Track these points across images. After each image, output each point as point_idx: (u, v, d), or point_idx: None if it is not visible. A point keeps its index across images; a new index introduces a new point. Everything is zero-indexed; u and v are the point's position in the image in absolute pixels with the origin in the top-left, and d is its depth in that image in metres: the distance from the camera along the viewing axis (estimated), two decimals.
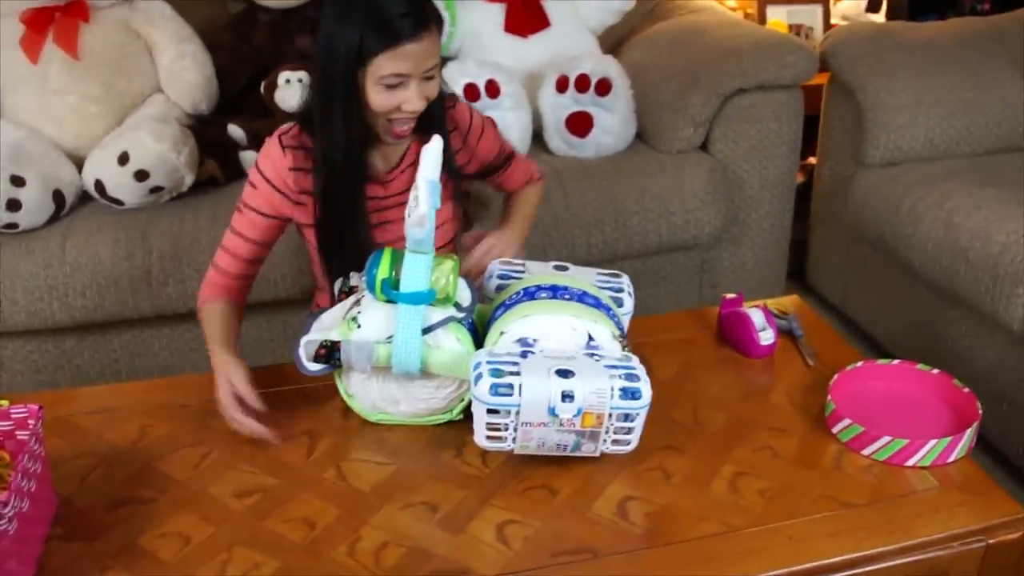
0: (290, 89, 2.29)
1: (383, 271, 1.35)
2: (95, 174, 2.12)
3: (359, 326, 1.36)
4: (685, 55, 2.41)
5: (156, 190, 2.12)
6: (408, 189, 1.58)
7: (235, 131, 2.29)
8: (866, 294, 2.48)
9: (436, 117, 1.54)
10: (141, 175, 2.08)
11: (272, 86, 2.31)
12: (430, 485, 1.33)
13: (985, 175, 2.18)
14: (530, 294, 1.41)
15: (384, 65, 1.39)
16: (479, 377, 1.24)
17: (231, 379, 1.42)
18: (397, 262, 1.35)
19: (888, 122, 2.31)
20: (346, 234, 1.55)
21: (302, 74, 2.30)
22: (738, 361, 1.62)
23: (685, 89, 2.32)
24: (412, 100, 1.43)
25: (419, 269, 1.33)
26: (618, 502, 1.29)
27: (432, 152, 1.32)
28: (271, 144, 1.54)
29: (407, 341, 1.33)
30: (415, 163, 1.56)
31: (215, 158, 2.26)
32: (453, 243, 1.70)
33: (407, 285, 1.33)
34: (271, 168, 1.54)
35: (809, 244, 2.76)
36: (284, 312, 2.26)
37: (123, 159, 2.07)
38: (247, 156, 2.29)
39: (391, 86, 1.42)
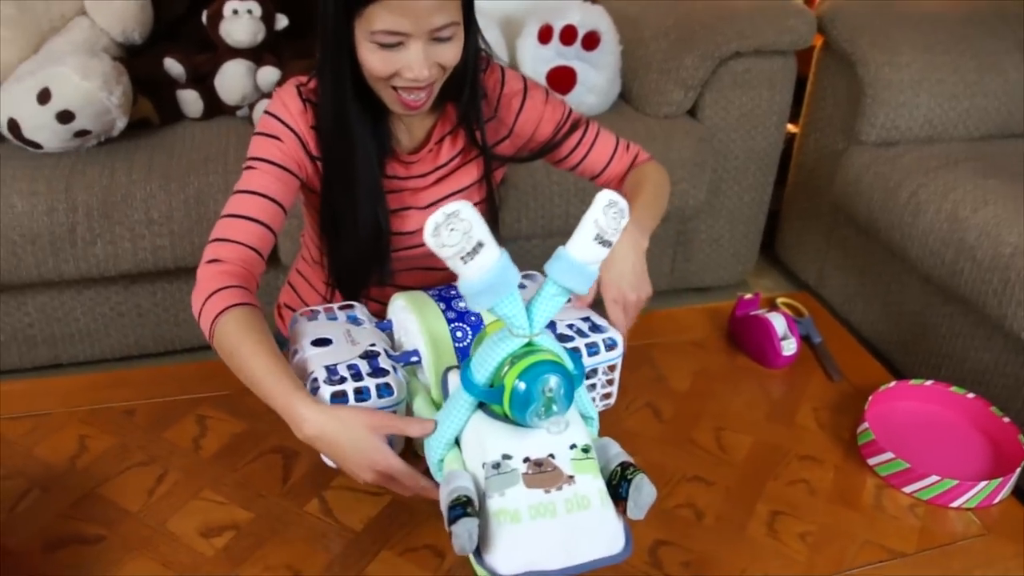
0: (238, 21, 2.03)
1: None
2: (9, 112, 1.84)
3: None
4: (677, 11, 2.23)
5: (82, 134, 1.85)
6: (434, 170, 1.35)
7: (173, 66, 2.02)
8: (845, 277, 2.37)
9: (470, 80, 1.28)
10: (65, 116, 1.80)
11: (216, 16, 2.04)
12: (432, 524, 1.14)
13: (988, 165, 2.07)
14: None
15: (377, 18, 1.11)
16: None
17: (384, 455, 1.05)
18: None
19: (889, 99, 2.17)
20: (348, 218, 1.30)
21: (252, 4, 2.05)
22: (756, 371, 1.48)
23: (677, 49, 2.15)
24: (414, 66, 1.15)
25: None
26: (649, 548, 1.14)
27: None
28: (289, 94, 1.26)
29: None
30: (442, 142, 1.34)
31: (149, 97, 1.99)
32: None
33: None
34: (292, 118, 1.26)
35: (782, 216, 2.63)
36: None
37: (44, 96, 1.80)
38: (185, 96, 2.04)
39: (387, 45, 1.14)
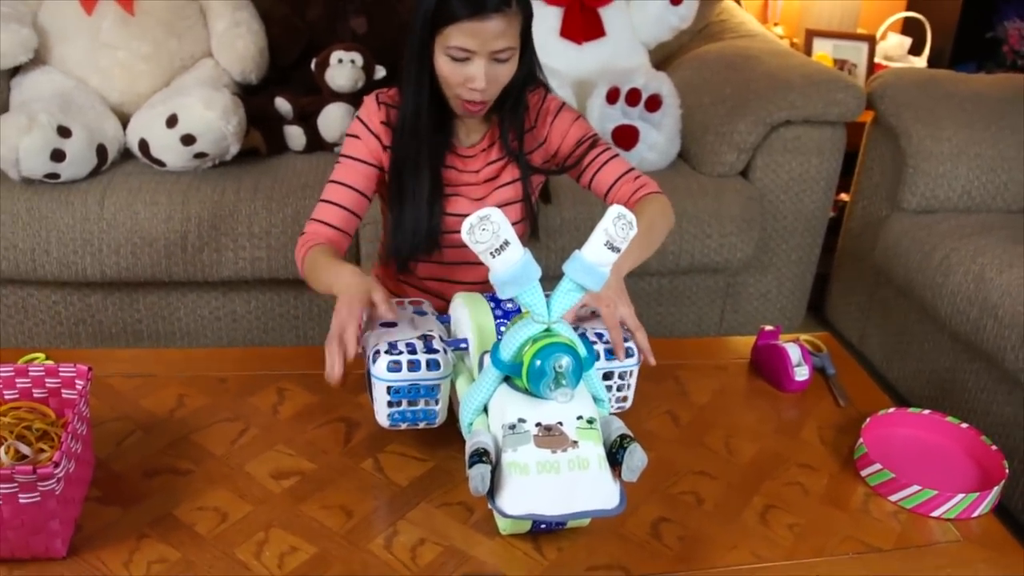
0: (341, 69, 2.29)
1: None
2: (141, 133, 2.13)
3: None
4: (735, 81, 2.43)
5: (200, 156, 2.12)
6: (485, 166, 1.61)
7: (282, 105, 2.29)
8: (884, 336, 2.50)
9: (514, 97, 1.55)
10: (188, 139, 2.08)
11: (324, 64, 2.31)
12: (466, 486, 1.32)
13: (1019, 233, 2.20)
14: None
15: (452, 36, 1.40)
16: None
17: (371, 290, 1.33)
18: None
19: (929, 170, 2.33)
20: (409, 196, 1.55)
21: (355, 55, 2.30)
22: (770, 394, 1.63)
23: (733, 115, 2.34)
24: (476, 79, 1.43)
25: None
26: (652, 522, 1.30)
27: None
28: (369, 99, 1.58)
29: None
30: (493, 145, 1.61)
31: (259, 130, 2.26)
32: (522, 224, 1.67)
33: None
34: (369, 118, 1.57)
35: (831, 279, 2.78)
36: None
37: (171, 121, 2.08)
38: (291, 131, 2.30)
39: (457, 59, 1.42)
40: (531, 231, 1.70)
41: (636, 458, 1.16)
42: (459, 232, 1.56)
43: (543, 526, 1.23)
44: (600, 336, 1.39)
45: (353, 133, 1.57)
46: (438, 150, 1.56)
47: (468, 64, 1.43)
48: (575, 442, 1.16)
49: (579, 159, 1.61)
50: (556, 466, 1.14)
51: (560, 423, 1.17)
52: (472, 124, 1.59)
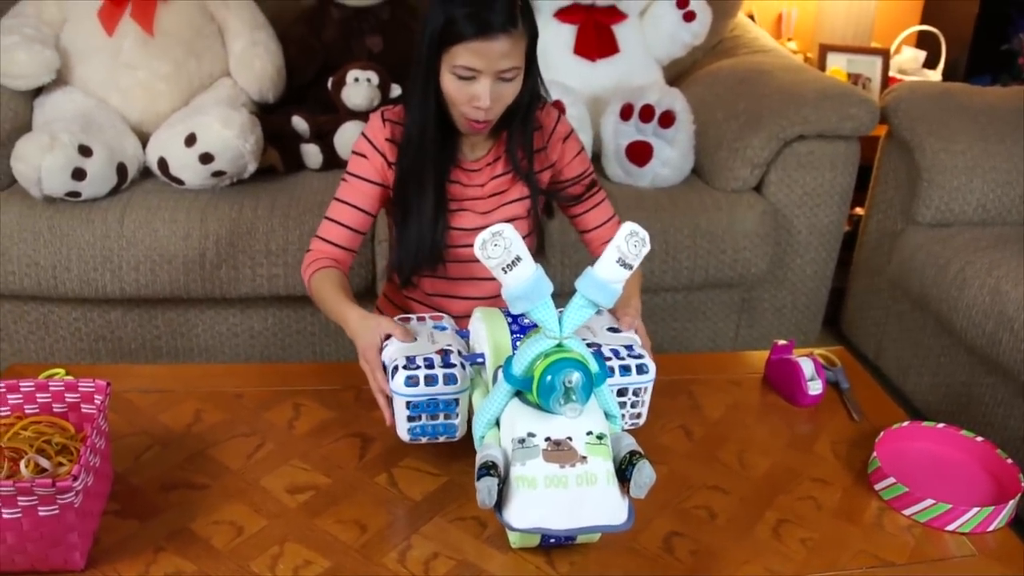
0: (357, 88, 2.31)
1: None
2: (160, 152, 2.15)
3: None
4: (748, 96, 2.43)
5: (218, 174, 2.15)
6: (490, 181, 1.62)
7: (299, 123, 2.31)
8: (900, 350, 2.49)
9: (521, 114, 1.57)
10: (206, 158, 2.11)
11: (340, 83, 2.33)
12: None
13: None
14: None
15: (459, 55, 1.42)
16: None
17: (382, 326, 1.40)
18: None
19: (944, 183, 2.33)
20: (414, 211, 1.57)
21: (371, 74, 2.33)
22: (784, 408, 1.64)
23: (746, 130, 2.35)
24: (481, 97, 1.45)
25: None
26: (664, 536, 1.31)
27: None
28: (374, 116, 1.60)
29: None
30: (498, 160, 1.63)
31: (276, 148, 2.28)
32: (530, 238, 1.69)
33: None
34: (375, 136, 1.59)
35: (847, 294, 2.77)
36: None
37: (190, 140, 2.10)
38: (308, 149, 2.32)
39: (463, 77, 1.44)
40: (538, 246, 1.72)
41: (644, 475, 1.16)
42: (464, 247, 1.61)
43: (552, 540, 1.24)
44: (616, 353, 1.40)
45: (359, 151, 1.60)
46: (443, 166, 1.58)
47: (474, 83, 1.45)
48: (584, 457, 1.17)
49: (580, 195, 1.69)
50: (564, 481, 1.15)
51: (570, 438, 1.18)
52: (477, 139, 1.61)
